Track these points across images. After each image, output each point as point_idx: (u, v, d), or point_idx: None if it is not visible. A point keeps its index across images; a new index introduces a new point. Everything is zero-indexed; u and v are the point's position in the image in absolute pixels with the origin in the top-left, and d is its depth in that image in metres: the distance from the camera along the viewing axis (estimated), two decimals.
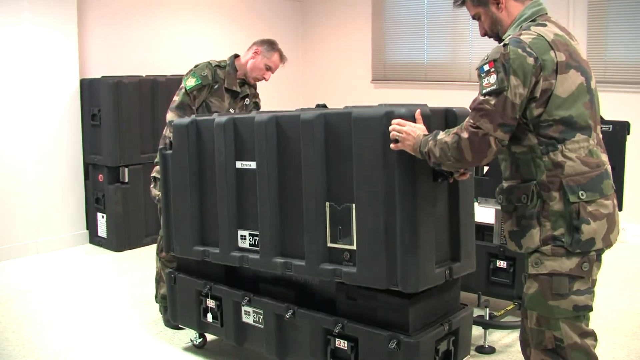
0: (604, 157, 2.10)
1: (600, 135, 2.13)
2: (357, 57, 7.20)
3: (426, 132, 2.19)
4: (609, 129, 3.49)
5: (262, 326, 2.92)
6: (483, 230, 3.93)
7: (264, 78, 3.76)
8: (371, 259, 2.43)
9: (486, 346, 3.31)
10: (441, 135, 2.08)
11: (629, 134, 3.50)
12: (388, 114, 2.32)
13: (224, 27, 6.82)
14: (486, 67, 1.98)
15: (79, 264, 5.00)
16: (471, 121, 1.98)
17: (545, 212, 2.02)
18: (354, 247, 2.49)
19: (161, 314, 3.75)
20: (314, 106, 4.52)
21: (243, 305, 2.97)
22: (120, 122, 5.16)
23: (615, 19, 5.46)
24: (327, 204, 2.56)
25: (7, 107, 4.96)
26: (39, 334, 3.61)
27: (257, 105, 3.89)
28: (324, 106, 4.49)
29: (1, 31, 4.88)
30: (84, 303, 4.11)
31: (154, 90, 5.38)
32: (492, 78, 1.96)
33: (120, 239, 5.26)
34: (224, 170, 2.92)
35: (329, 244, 2.58)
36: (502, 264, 3.56)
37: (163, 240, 3.34)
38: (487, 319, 3.34)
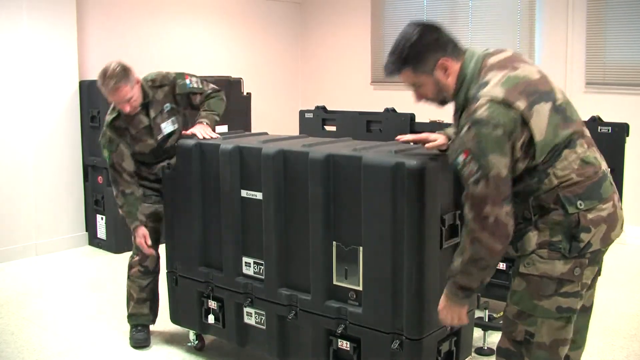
0: (598, 156, 2.06)
1: (589, 134, 2.10)
2: (357, 58, 7.21)
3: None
4: (608, 130, 3.50)
5: (264, 327, 2.92)
6: None
7: (124, 109, 3.21)
8: (377, 302, 2.48)
9: (485, 348, 3.31)
10: (455, 261, 2.01)
11: (628, 135, 3.52)
12: (398, 165, 2.36)
13: (223, 28, 6.82)
14: (461, 158, 1.95)
15: (78, 265, 5.00)
16: (475, 214, 1.93)
17: (544, 220, 2.00)
18: (360, 288, 2.54)
19: (130, 334, 3.50)
20: (313, 108, 4.55)
21: (245, 307, 2.97)
22: None
23: (614, 21, 5.47)
24: (334, 243, 2.59)
25: (6, 109, 4.95)
26: (38, 336, 3.60)
27: (173, 111, 3.42)
28: (324, 108, 4.52)
29: (0, 33, 4.87)
30: (83, 305, 4.10)
31: None
32: (473, 165, 1.92)
33: (119, 241, 5.25)
34: (228, 198, 2.95)
35: (335, 282, 2.62)
36: (501, 265, 3.56)
37: (169, 255, 3.33)
38: (487, 320, 3.35)
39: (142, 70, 5.69)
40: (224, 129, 5.76)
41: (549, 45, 5.84)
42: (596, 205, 1.98)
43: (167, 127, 3.37)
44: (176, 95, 3.40)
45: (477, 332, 3.21)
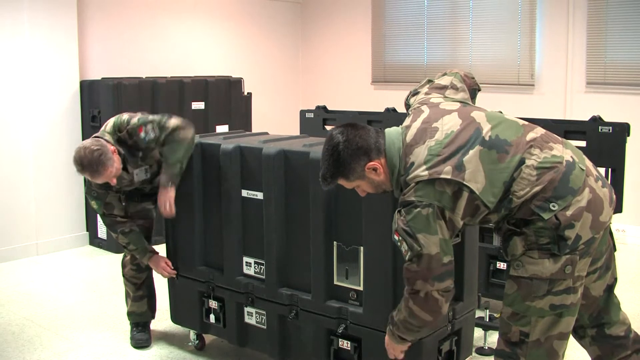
0: (557, 152, 2.03)
1: (539, 133, 2.08)
2: (357, 58, 7.21)
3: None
4: (609, 130, 3.50)
5: (264, 327, 2.92)
6: (483, 232, 3.93)
7: (112, 183, 3.06)
8: (378, 302, 2.49)
9: (486, 348, 3.31)
10: (396, 316, 2.16)
11: (628, 135, 3.51)
12: None
13: (223, 28, 6.82)
14: (395, 238, 2.05)
15: (79, 265, 5.00)
16: (408, 288, 2.06)
17: (528, 228, 2.00)
18: (361, 288, 2.54)
19: (131, 334, 3.50)
20: (313, 108, 4.56)
21: (246, 306, 2.97)
22: None
23: (615, 20, 5.47)
24: (335, 243, 2.59)
25: (7, 109, 4.95)
26: (39, 335, 3.61)
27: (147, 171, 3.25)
28: (324, 108, 4.52)
29: (1, 33, 4.87)
30: (83, 305, 4.10)
31: (154, 92, 5.38)
32: (404, 246, 2.01)
33: None
34: (229, 197, 2.95)
35: (336, 282, 2.63)
36: (502, 265, 3.57)
37: (170, 254, 3.33)
38: (487, 320, 3.35)
39: (142, 70, 5.74)
40: (224, 128, 5.78)
41: (550, 45, 5.84)
42: (570, 200, 1.97)
43: (140, 174, 3.21)
44: (140, 141, 3.10)
45: (478, 332, 3.21)
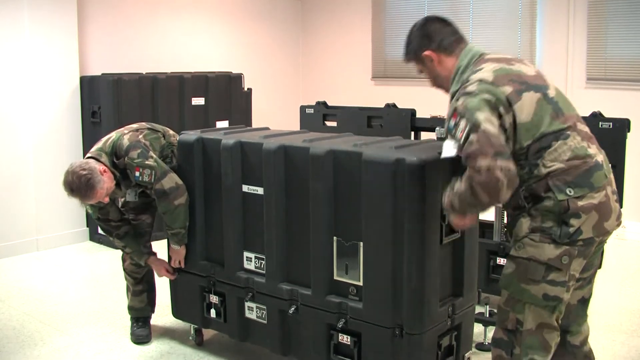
0: (592, 150, 2.12)
1: (586, 129, 2.18)
2: (357, 54, 7.20)
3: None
4: (609, 126, 3.50)
5: (265, 322, 2.92)
6: (483, 227, 3.93)
7: (104, 202, 3.10)
8: (377, 297, 2.49)
9: (486, 343, 3.31)
10: (457, 185, 2.10)
11: (629, 131, 3.51)
12: (398, 161, 2.36)
13: (224, 24, 6.81)
14: (452, 122, 2.09)
15: (79, 261, 5.00)
16: (470, 167, 2.00)
17: (536, 208, 2.07)
18: (361, 283, 2.54)
19: (131, 330, 3.51)
20: (314, 103, 4.55)
21: (246, 301, 2.97)
22: (121, 120, 5.12)
23: (615, 16, 5.46)
24: (335, 238, 2.59)
25: (7, 104, 4.95)
26: (39, 331, 3.61)
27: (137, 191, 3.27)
28: (324, 104, 4.52)
29: (1, 29, 4.87)
30: (84, 300, 4.11)
31: (154, 88, 5.37)
32: (462, 123, 2.03)
33: None
34: (230, 192, 2.95)
35: (336, 277, 2.63)
36: (502, 261, 3.57)
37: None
38: (487, 316, 3.35)
39: (142, 66, 5.73)
40: (224, 124, 5.77)
41: (550, 40, 5.83)
42: (587, 193, 2.04)
43: (131, 195, 3.23)
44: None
45: (478, 328, 3.21)
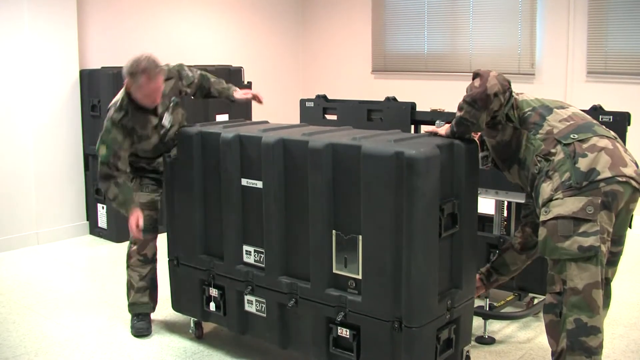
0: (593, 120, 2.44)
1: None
2: (357, 48, 7.19)
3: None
4: (610, 119, 3.49)
5: (264, 315, 2.93)
6: (483, 221, 3.93)
7: (155, 101, 3.19)
8: (376, 291, 2.49)
9: (486, 337, 3.32)
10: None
11: (629, 124, 3.50)
12: (398, 154, 2.36)
13: (223, 17, 6.80)
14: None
15: (79, 255, 5.01)
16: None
17: (551, 166, 2.28)
18: (360, 276, 2.54)
19: (131, 323, 3.50)
20: (313, 97, 4.54)
21: (246, 295, 2.98)
22: None
23: (616, 9, 5.45)
24: (334, 232, 2.60)
25: (6, 98, 4.94)
26: (40, 324, 3.62)
27: (177, 105, 3.42)
28: (324, 97, 4.51)
29: (0, 22, 4.86)
30: (84, 294, 4.11)
31: None
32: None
33: (120, 230, 5.24)
34: (229, 186, 2.95)
35: (335, 271, 2.63)
36: None
37: (171, 242, 3.34)
38: (487, 309, 3.36)
39: None
40: (224, 117, 5.77)
41: (551, 34, 5.82)
42: (590, 137, 2.30)
43: (166, 119, 3.32)
44: (182, 88, 3.42)
45: (478, 321, 3.22)
